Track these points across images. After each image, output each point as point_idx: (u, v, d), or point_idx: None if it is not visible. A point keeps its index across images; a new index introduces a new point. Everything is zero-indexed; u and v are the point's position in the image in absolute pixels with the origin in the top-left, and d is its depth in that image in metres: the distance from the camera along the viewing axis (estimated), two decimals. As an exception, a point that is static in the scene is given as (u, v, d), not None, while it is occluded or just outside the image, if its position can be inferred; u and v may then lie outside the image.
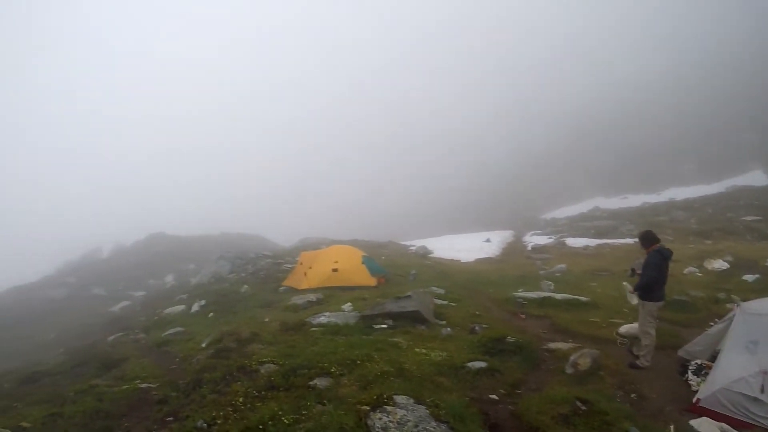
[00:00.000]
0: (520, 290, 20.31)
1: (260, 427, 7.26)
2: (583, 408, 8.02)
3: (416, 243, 48.45)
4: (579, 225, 50.14)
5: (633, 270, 11.84)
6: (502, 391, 9.05)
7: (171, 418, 8.92)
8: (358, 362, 9.78)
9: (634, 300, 11.50)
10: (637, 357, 11.20)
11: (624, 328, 13.02)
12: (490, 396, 8.76)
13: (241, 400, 8.53)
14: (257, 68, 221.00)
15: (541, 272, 27.27)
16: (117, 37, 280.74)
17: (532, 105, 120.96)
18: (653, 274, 10.98)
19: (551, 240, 43.60)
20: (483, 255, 39.68)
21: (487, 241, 46.40)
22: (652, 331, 11.17)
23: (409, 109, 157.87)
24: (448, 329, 13.53)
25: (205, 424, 7.83)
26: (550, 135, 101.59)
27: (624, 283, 12.61)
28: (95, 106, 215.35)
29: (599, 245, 36.70)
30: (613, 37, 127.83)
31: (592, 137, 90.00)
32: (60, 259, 74.76)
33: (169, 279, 54.87)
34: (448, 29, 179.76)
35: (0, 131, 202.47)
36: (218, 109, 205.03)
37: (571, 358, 10.45)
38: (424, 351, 10.88)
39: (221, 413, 8.12)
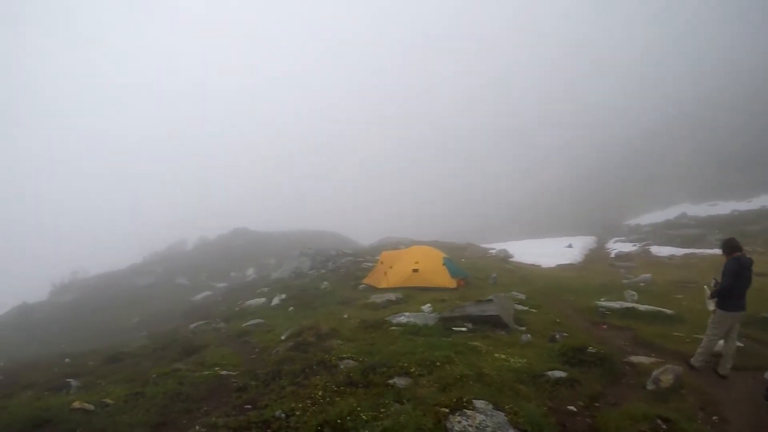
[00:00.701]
0: (603, 299, 19.76)
1: (338, 421, 7.34)
2: (664, 427, 7.77)
3: (496, 246, 47.99)
4: (664, 233, 48.32)
5: (716, 280, 11.50)
6: (581, 403, 8.85)
7: (249, 406, 9.12)
8: (438, 364, 9.77)
9: (711, 306, 11.22)
10: (724, 377, 10.88)
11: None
12: (569, 407, 8.59)
13: (320, 393, 8.65)
14: (345, 72, 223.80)
15: (625, 281, 26.54)
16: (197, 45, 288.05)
17: (618, 107, 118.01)
18: (729, 281, 10.70)
19: (635, 248, 42.18)
20: (564, 261, 38.87)
21: (569, 246, 45.38)
22: (714, 338, 11.02)
23: (487, 107, 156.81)
24: (528, 336, 13.33)
25: (284, 415, 7.95)
26: (634, 138, 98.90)
27: (704, 287, 12.22)
28: (182, 108, 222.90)
29: (686, 255, 35.35)
30: (710, 43, 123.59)
31: (681, 140, 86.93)
32: (147, 249, 77.30)
33: (251, 272, 56.00)
34: (537, 27, 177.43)
35: (92, 128, 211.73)
36: (303, 112, 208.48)
37: (654, 373, 10.12)
38: (503, 357, 10.76)
39: (300, 405, 8.24)
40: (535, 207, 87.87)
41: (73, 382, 13.06)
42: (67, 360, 19.61)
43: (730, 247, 11.11)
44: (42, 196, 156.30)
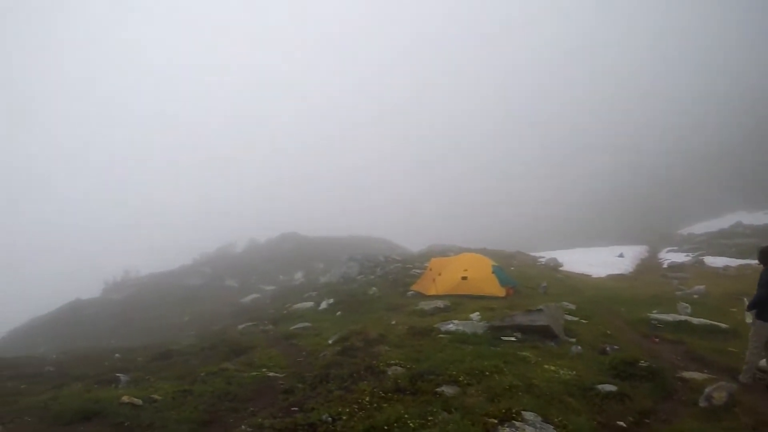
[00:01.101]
0: (655, 311, 19.35)
1: (385, 427, 7.37)
2: (715, 448, 7.63)
3: (546, 255, 47.48)
4: (718, 242, 46.97)
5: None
6: (631, 418, 8.66)
7: (296, 409, 9.20)
8: (486, 373, 9.72)
9: (749, 318, 11.09)
10: None
11: (765, 362, 12.27)
12: (618, 422, 8.43)
13: (367, 399, 8.69)
14: (396, 79, 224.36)
15: (677, 293, 25.92)
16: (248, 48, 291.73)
17: (669, 115, 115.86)
18: (763, 291, 10.55)
19: (688, 258, 41.06)
20: (615, 271, 38.23)
21: (620, 256, 44.63)
22: (756, 350, 10.83)
23: (539, 113, 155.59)
24: (578, 347, 13.15)
25: (330, 418, 8.02)
26: (686, 146, 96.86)
27: (743, 298, 11.94)
28: (240, 111, 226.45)
29: (741, 266, 34.16)
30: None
31: (735, 147, 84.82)
32: (197, 251, 78.48)
33: (299, 276, 56.46)
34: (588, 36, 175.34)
35: (151, 129, 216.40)
36: (356, 117, 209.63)
37: (706, 390, 9.87)
38: (552, 368, 10.64)
39: (347, 409, 8.30)
40: (585, 215, 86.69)
41: (122, 376, 13.38)
42: (117, 355, 20.06)
43: (767, 255, 10.92)
44: (96, 196, 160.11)
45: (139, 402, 10.00)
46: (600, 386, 9.61)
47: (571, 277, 35.13)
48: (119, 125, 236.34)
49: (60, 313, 53.93)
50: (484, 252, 38.33)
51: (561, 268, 39.66)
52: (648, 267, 40.88)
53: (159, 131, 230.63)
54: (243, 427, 8.48)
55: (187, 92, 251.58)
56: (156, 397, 10.46)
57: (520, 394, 8.59)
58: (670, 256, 43.99)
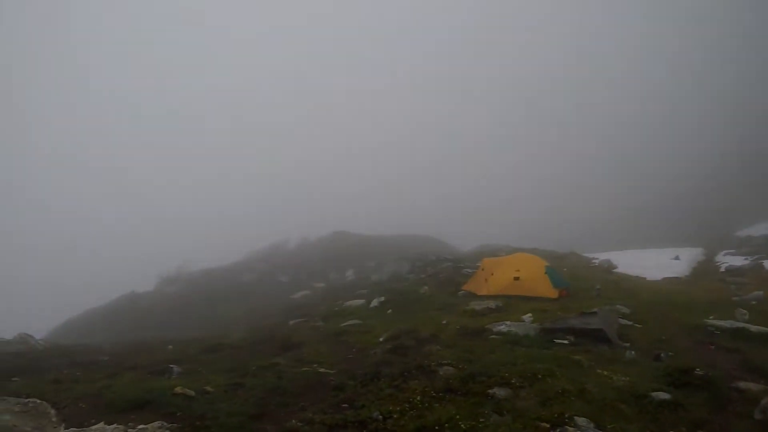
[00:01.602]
0: (711, 317, 18.91)
1: (436, 427, 7.43)
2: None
3: (600, 256, 46.70)
4: (779, 245, 45.73)
5: None
6: (684, 429, 8.48)
7: (346, 405, 9.32)
8: (539, 376, 9.69)
9: None
10: None
11: None
12: (671, 432, 8.37)
13: (418, 398, 8.76)
14: (451, 76, 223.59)
15: (735, 298, 25.25)
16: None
17: (724, 113, 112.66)
18: None
19: (746, 261, 39.62)
20: (671, 274, 37.36)
21: (676, 258, 43.55)
22: None
23: (595, 112, 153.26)
24: (632, 353, 12.97)
25: (381, 416, 8.10)
26: (744, 144, 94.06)
27: None
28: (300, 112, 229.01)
29: (804, 270, 33.35)
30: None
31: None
32: (250, 247, 79.38)
33: (350, 274, 56.62)
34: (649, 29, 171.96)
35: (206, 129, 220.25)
36: (407, 113, 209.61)
37: (762, 402, 9.60)
38: (606, 373, 10.54)
39: (398, 408, 8.38)
40: (640, 215, 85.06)
41: (175, 368, 13.69)
42: (170, 347, 20.38)
43: None
44: (150, 193, 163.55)
45: (192, 393, 10.23)
46: (654, 394, 9.47)
47: (625, 279, 34.48)
48: (189, 120, 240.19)
49: (115, 305, 55.25)
50: (536, 252, 37.98)
51: (615, 270, 38.98)
52: (704, 270, 39.83)
53: (222, 132, 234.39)
54: (293, 421, 8.62)
55: (255, 92, 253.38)
56: (208, 389, 10.70)
57: (572, 398, 8.56)
58: (728, 260, 42.64)
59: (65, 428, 8.46)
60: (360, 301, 26.83)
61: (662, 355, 13.08)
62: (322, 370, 12.59)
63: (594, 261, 43.30)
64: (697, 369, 11.11)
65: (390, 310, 22.80)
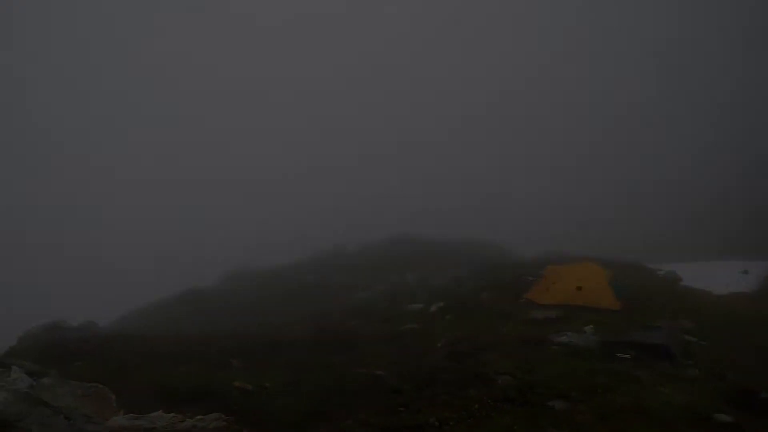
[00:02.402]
0: (782, 337, 18.31)
1: (492, 437, 7.37)
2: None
3: (664, 267, 45.57)
4: None
5: None
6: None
7: (403, 409, 9.28)
8: (598, 391, 9.48)
9: None
10: None
11: None
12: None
13: (476, 406, 8.66)
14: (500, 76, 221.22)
15: (808, 318, 24.35)
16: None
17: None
18: None
19: (822, 277, 38.46)
20: (739, 288, 36.26)
21: (745, 272, 42.14)
22: None
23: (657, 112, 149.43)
24: (695, 370, 12.59)
25: (437, 422, 8.05)
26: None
27: None
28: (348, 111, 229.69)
29: None
30: None
31: None
32: (310, 249, 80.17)
33: (409, 278, 56.49)
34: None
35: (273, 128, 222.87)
36: (471, 116, 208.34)
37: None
38: (666, 391, 10.21)
39: (454, 415, 8.31)
40: (708, 226, 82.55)
41: (235, 362, 13.93)
42: (231, 342, 20.77)
43: None
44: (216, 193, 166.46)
45: (250, 388, 10.39)
46: (716, 416, 9.14)
47: (690, 292, 33.55)
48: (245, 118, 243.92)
49: (180, 297, 56.53)
50: (599, 261, 37.32)
51: (680, 283, 37.99)
52: (776, 285, 38.48)
53: (285, 131, 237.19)
54: (350, 422, 8.65)
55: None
56: (266, 384, 10.84)
57: (631, 416, 8.34)
58: (802, 275, 41.18)
59: (124, 413, 8.66)
60: (419, 305, 26.73)
61: (727, 374, 12.64)
62: (379, 372, 12.60)
63: (659, 272, 42.22)
64: (763, 392, 10.68)
65: (449, 316, 22.65)
